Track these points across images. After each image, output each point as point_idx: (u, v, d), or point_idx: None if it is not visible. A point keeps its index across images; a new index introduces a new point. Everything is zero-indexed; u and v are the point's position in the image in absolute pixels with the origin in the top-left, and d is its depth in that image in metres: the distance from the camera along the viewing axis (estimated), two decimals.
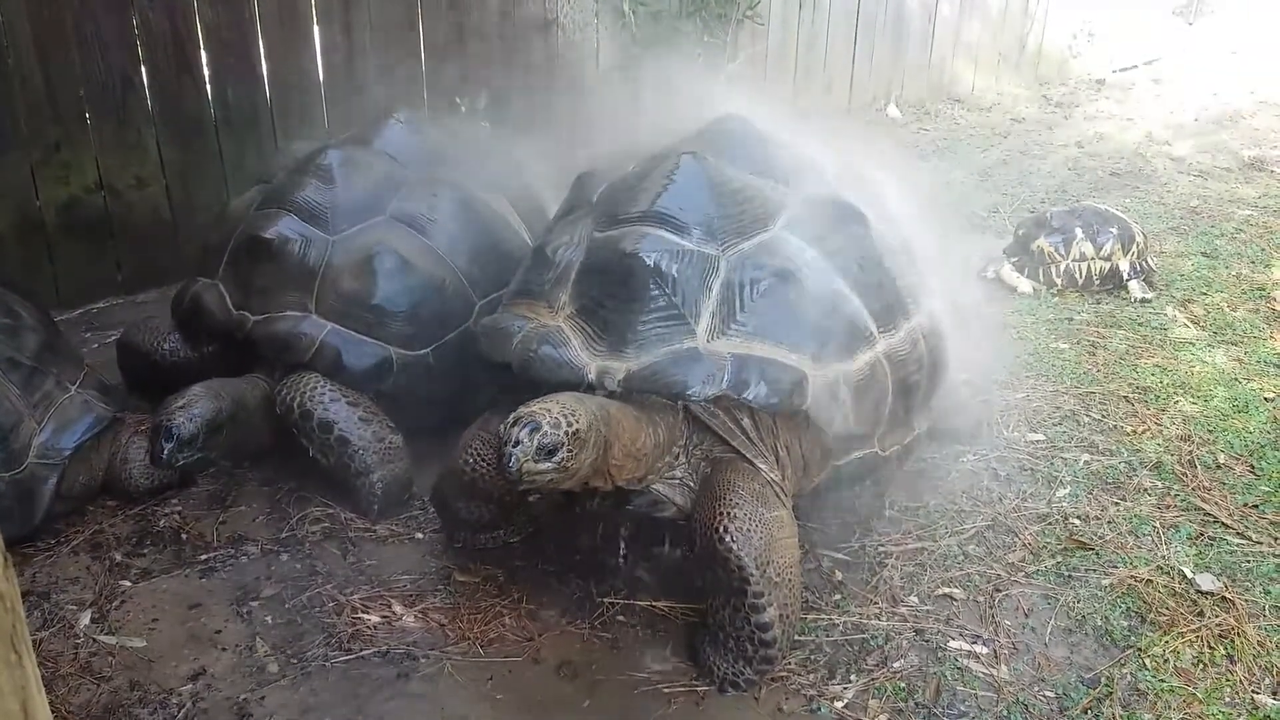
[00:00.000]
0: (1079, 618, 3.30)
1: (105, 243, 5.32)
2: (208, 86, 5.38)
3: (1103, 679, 3.06)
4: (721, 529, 2.92)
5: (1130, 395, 4.51)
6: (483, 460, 3.25)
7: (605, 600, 3.37)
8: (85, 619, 3.29)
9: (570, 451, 2.71)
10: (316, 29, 5.65)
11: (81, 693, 3.00)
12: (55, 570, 3.50)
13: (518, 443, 2.66)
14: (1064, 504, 3.83)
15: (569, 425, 2.70)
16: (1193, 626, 3.23)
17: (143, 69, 5.18)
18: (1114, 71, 9.96)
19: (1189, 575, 3.45)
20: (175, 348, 4.18)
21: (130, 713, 2.94)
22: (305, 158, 4.20)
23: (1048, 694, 3.02)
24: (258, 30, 5.44)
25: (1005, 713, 2.96)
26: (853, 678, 3.09)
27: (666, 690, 3.05)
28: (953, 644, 3.20)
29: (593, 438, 2.78)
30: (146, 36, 5.14)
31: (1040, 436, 4.24)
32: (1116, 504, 3.83)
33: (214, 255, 4.11)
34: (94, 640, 3.21)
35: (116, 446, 3.80)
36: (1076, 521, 3.74)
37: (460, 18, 6.10)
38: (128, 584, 3.45)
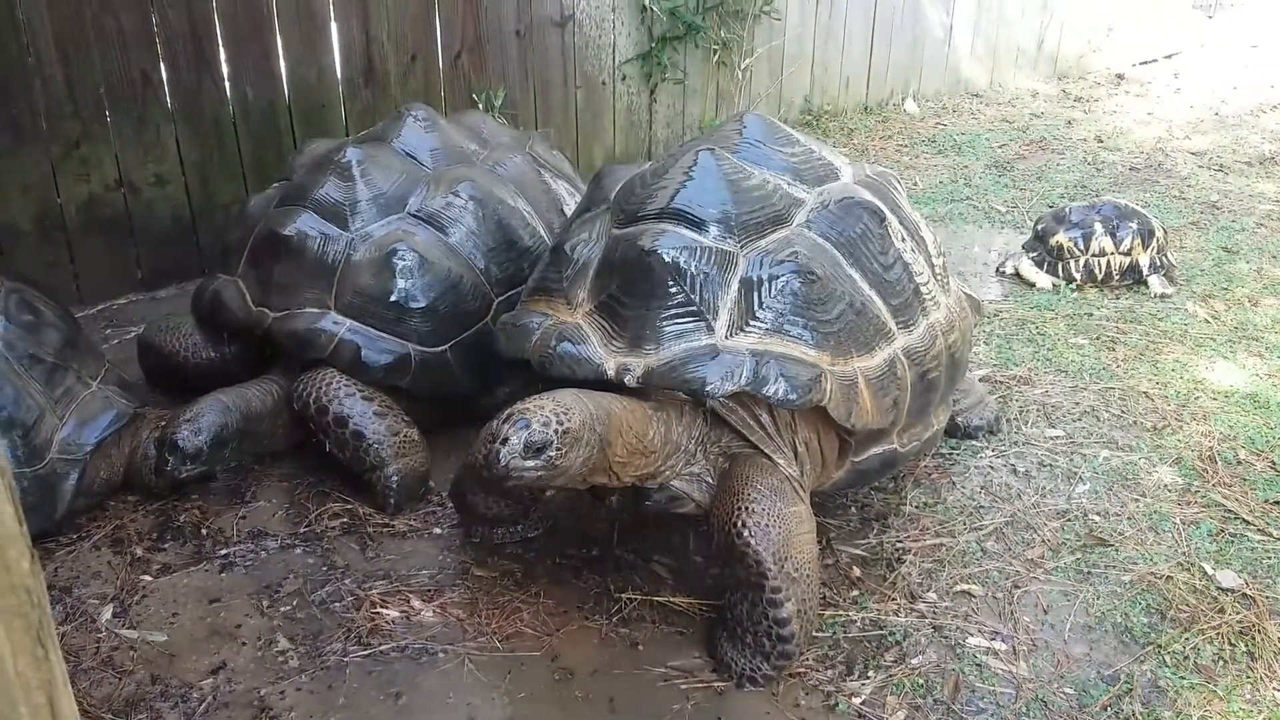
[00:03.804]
0: (1098, 614, 3.29)
1: (125, 239, 5.35)
2: (226, 84, 5.41)
3: (1122, 676, 3.05)
4: (739, 524, 2.92)
5: (1150, 391, 4.49)
6: None
7: (623, 596, 3.38)
8: (107, 613, 3.32)
9: (559, 450, 2.71)
10: (334, 26, 5.66)
11: (104, 686, 3.03)
12: (77, 565, 3.53)
13: (505, 440, 2.68)
14: (1083, 500, 3.82)
15: (559, 424, 2.71)
16: (1213, 623, 3.22)
17: (162, 66, 5.21)
18: (1134, 65, 9.89)
19: (1209, 572, 3.43)
20: (195, 346, 4.20)
21: (151, 706, 2.97)
22: (324, 155, 4.22)
23: (1067, 691, 3.01)
24: (276, 27, 5.46)
25: (1024, 710, 2.95)
26: (871, 674, 3.08)
27: (684, 686, 3.05)
28: (971, 640, 3.20)
29: (586, 436, 2.78)
30: (166, 34, 5.17)
31: (1059, 432, 4.22)
32: (1136, 500, 3.81)
33: (233, 252, 4.13)
34: (115, 634, 3.23)
35: (137, 442, 3.82)
36: (1096, 518, 3.72)
37: (478, 14, 6.11)
38: (148, 578, 3.48)
